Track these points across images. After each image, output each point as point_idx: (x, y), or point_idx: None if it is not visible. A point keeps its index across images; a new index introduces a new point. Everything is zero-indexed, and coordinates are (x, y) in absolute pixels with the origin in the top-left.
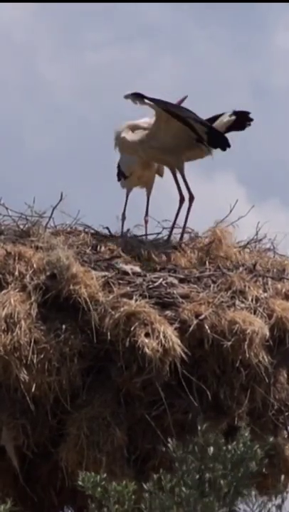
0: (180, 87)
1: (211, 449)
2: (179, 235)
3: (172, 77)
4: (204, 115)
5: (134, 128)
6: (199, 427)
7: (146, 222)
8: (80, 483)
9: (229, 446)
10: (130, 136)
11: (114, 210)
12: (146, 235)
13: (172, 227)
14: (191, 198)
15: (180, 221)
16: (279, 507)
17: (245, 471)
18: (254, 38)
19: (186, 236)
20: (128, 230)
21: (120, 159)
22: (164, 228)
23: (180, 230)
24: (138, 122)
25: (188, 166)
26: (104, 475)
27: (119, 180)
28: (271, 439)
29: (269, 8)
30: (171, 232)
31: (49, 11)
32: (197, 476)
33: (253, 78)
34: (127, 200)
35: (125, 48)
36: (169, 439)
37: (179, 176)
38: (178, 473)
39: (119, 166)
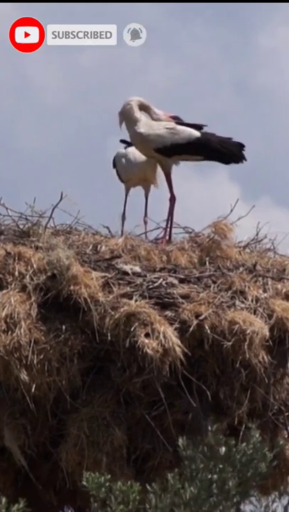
0: (171, 87)
1: (222, 449)
2: (177, 235)
3: (163, 77)
4: (197, 115)
5: (143, 108)
6: (210, 428)
7: (145, 222)
8: (84, 483)
9: (239, 447)
10: (137, 113)
11: (115, 209)
12: (145, 232)
13: (166, 227)
14: (172, 199)
15: (176, 219)
16: (285, 508)
17: (253, 472)
18: (240, 37)
19: (186, 236)
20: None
21: (119, 163)
22: (163, 229)
23: (179, 230)
24: (151, 106)
25: (183, 165)
26: (109, 476)
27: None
28: (281, 442)
29: (255, 9)
30: (166, 231)
31: (39, 12)
32: (209, 476)
33: (239, 78)
34: (126, 201)
35: (117, 48)
36: (180, 438)
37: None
38: (186, 472)
39: (115, 164)
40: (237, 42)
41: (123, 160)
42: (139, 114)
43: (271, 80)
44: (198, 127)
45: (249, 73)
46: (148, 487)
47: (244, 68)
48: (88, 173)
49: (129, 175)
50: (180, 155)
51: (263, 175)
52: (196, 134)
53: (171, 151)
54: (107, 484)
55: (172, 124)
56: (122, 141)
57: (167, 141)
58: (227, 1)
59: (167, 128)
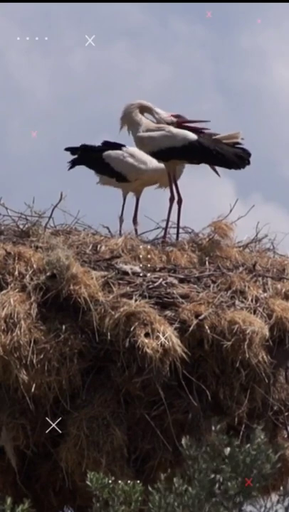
0: (160, 88)
1: (227, 449)
2: (174, 235)
3: (152, 79)
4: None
5: (145, 110)
6: (213, 427)
7: (135, 224)
8: (88, 483)
9: (243, 448)
10: (137, 116)
11: (115, 209)
12: (139, 234)
13: (166, 227)
14: (180, 201)
15: (173, 219)
16: (286, 509)
17: (257, 473)
18: (223, 37)
19: (186, 236)
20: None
21: (119, 162)
22: (162, 228)
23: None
24: (152, 107)
25: None
26: (113, 478)
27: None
28: (287, 444)
29: (240, 9)
30: (165, 231)
31: (27, 12)
32: (212, 476)
33: (223, 77)
34: (124, 203)
35: (107, 49)
36: (183, 437)
37: (171, 176)
38: (189, 472)
39: (108, 165)
40: (222, 42)
41: (130, 159)
42: (139, 117)
43: (256, 80)
44: (198, 131)
45: (234, 73)
46: (150, 488)
47: (228, 68)
48: (88, 172)
49: (138, 174)
50: (177, 159)
51: (253, 172)
52: (191, 137)
53: (166, 155)
54: (111, 485)
55: (169, 127)
56: (67, 149)
57: (162, 145)
58: (214, 1)
59: (162, 131)
